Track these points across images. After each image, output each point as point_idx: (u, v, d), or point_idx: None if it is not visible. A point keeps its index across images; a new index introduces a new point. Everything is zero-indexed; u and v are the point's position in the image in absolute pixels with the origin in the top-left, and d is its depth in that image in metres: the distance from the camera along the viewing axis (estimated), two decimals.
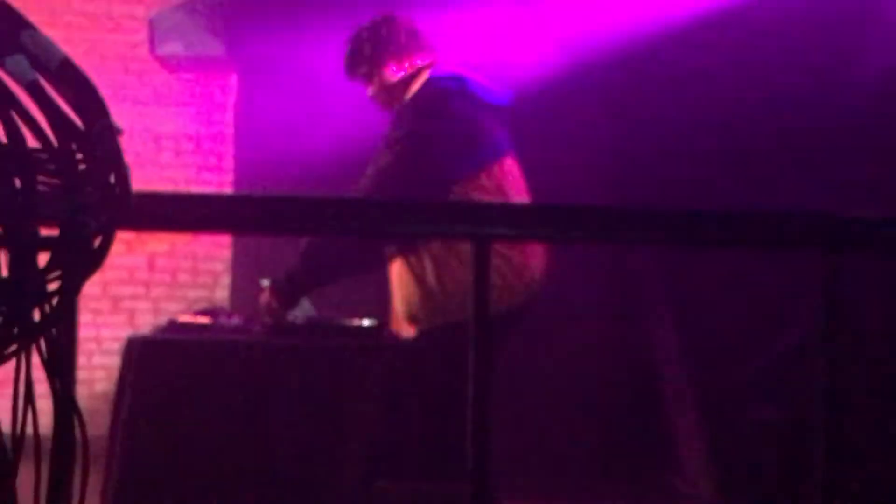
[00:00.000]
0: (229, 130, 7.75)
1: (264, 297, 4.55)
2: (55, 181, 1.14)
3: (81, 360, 7.15)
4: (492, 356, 2.75)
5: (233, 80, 7.67)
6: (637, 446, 6.23)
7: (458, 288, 4.27)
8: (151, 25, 7.68)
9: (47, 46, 1.18)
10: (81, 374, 7.04)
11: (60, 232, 1.13)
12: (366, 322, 4.66)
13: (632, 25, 6.21)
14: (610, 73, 6.25)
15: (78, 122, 1.17)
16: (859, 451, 4.53)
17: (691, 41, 6.16)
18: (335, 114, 5.46)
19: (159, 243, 7.63)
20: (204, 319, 4.89)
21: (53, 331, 1.19)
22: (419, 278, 4.46)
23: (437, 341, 4.40)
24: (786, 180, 5.81)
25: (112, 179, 1.17)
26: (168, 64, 7.75)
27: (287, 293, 4.50)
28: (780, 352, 5.39)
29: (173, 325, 4.90)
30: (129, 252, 7.40)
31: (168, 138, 7.85)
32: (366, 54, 4.67)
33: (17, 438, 1.18)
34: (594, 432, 6.13)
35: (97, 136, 1.16)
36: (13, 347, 1.13)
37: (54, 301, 1.15)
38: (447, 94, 4.54)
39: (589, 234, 3.00)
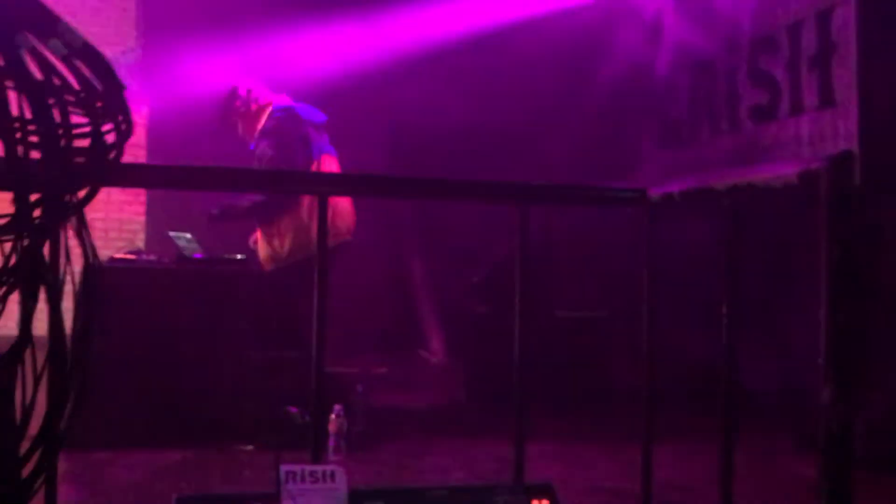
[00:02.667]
0: (143, 141, 7.40)
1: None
2: (80, 112, 1.09)
3: None
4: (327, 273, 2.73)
5: (145, 109, 7.32)
6: (402, 330, 6.28)
7: (290, 248, 4.38)
8: None
9: (74, 33, 1.12)
10: None
11: (91, 144, 1.08)
12: (238, 256, 4.57)
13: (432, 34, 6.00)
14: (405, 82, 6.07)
15: (95, 81, 1.12)
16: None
17: (475, 48, 5.91)
18: (206, 128, 5.19)
19: (96, 213, 7.26)
20: (131, 256, 4.71)
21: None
22: (270, 243, 4.44)
23: (282, 272, 4.43)
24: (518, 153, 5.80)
25: (120, 117, 1.13)
26: None
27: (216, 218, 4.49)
28: (488, 268, 5.46)
29: (112, 259, 4.67)
30: None
31: None
32: (225, 108, 4.55)
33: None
34: (378, 319, 6.13)
35: (108, 89, 1.12)
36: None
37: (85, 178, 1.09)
38: (285, 118, 4.45)
39: (376, 191, 3.04)
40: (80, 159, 1.06)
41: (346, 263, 4.60)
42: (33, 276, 1.05)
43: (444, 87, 5.95)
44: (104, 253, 6.94)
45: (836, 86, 4.15)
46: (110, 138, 1.10)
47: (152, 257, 4.74)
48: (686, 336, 4.22)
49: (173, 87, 6.26)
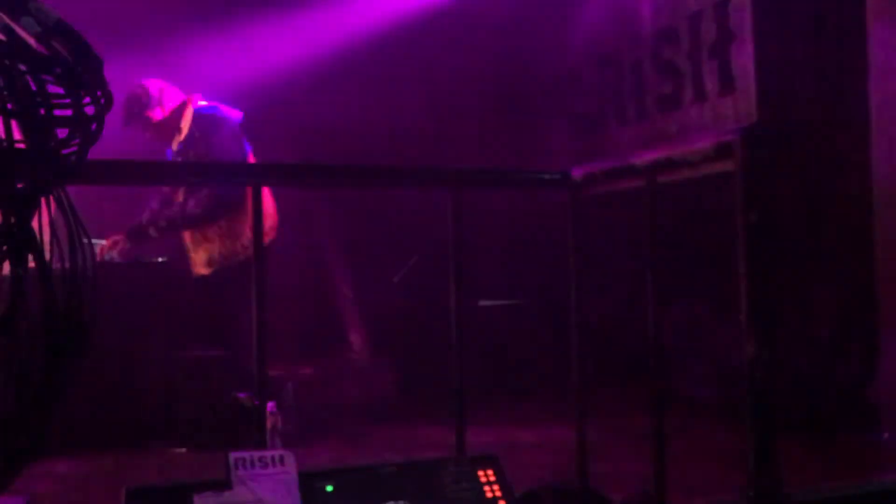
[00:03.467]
0: None
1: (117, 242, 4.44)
2: (58, 84, 1.12)
3: None
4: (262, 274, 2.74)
5: None
6: (323, 330, 6.23)
7: (222, 253, 4.35)
8: None
9: (47, 11, 1.15)
10: None
11: (72, 112, 1.12)
12: (160, 259, 4.53)
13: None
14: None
15: (67, 55, 1.15)
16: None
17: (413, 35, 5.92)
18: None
19: None
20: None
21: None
22: (210, 247, 4.39)
23: (216, 274, 4.39)
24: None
25: (98, 92, 1.16)
26: None
27: (135, 239, 4.43)
28: (409, 263, 5.48)
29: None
30: None
31: None
32: (134, 111, 4.44)
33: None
34: (299, 320, 6.04)
35: (84, 62, 1.15)
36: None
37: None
38: (216, 119, 4.42)
39: (311, 180, 3.10)
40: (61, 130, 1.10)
41: (271, 264, 4.60)
42: (22, 245, 1.08)
43: (351, 85, 5.96)
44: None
45: (735, 72, 4.41)
46: (90, 111, 1.14)
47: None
48: (613, 317, 4.40)
49: None
